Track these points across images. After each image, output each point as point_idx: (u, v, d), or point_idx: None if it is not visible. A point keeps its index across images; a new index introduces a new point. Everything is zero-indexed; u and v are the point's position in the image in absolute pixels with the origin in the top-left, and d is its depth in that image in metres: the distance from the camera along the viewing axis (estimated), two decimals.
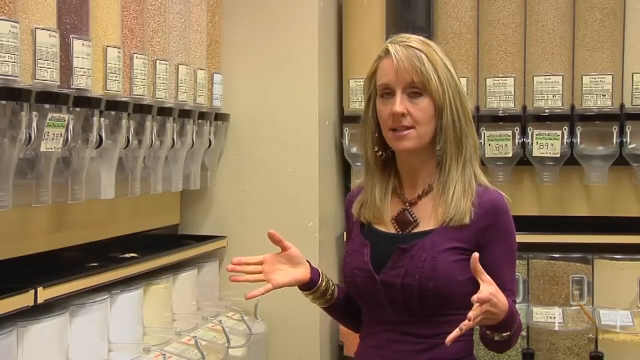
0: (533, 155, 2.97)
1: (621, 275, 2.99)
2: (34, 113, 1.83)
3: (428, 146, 1.75)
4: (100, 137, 2.12)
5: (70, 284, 2.08)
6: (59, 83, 1.90)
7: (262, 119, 3.06)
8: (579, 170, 3.03)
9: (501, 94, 2.99)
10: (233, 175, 3.08)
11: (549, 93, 2.96)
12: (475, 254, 1.59)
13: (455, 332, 1.52)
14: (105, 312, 2.25)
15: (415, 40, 1.74)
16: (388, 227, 1.79)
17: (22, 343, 1.92)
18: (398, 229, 1.78)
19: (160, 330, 2.49)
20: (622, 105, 2.94)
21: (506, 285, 1.72)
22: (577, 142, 2.94)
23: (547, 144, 2.95)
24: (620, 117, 2.92)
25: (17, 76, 1.73)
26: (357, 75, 3.09)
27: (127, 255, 2.55)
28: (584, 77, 2.94)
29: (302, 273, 1.82)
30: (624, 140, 2.89)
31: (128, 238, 2.67)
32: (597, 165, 2.95)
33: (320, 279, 1.85)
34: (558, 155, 2.95)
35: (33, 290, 1.93)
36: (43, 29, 1.83)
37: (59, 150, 1.94)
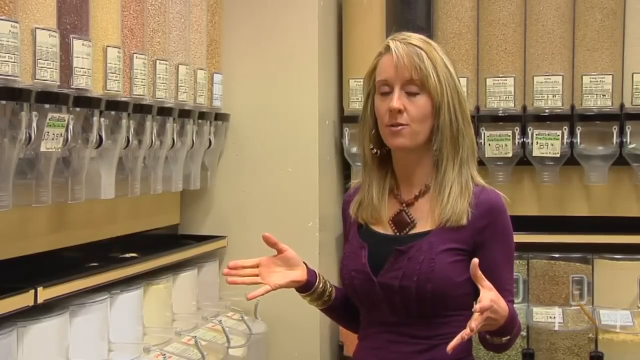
0: (533, 155, 2.97)
1: (621, 275, 2.99)
2: (34, 113, 1.83)
3: (424, 145, 1.74)
4: (100, 137, 2.12)
5: (70, 284, 2.08)
6: (59, 83, 1.90)
7: (262, 119, 3.06)
8: (579, 170, 3.02)
9: (501, 94, 2.99)
10: (233, 175, 3.08)
11: (549, 93, 2.96)
12: (475, 260, 1.58)
13: (456, 340, 1.52)
14: (105, 312, 2.25)
15: (416, 38, 1.74)
16: (385, 229, 1.79)
17: (22, 343, 1.92)
18: (395, 231, 1.78)
19: (160, 330, 2.49)
20: (622, 105, 2.94)
21: (505, 286, 1.73)
22: (577, 142, 2.94)
23: (547, 144, 2.95)
24: (620, 117, 2.92)
25: (17, 76, 1.73)
26: (357, 75, 3.08)
27: (127, 255, 2.55)
28: (584, 77, 2.94)
29: (299, 275, 1.81)
30: (624, 140, 2.89)
31: (128, 238, 2.67)
32: (597, 165, 2.95)
33: (317, 281, 1.84)
34: (558, 155, 2.95)
35: (33, 290, 1.93)
36: (43, 29, 1.83)
37: (59, 150, 1.94)
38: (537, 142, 2.96)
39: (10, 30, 1.70)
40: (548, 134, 2.95)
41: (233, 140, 3.08)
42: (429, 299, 1.69)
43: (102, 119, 2.12)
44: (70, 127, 1.97)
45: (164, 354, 2.29)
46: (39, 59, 1.81)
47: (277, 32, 3.04)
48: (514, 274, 2.86)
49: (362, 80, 3.08)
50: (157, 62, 2.39)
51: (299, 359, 3.01)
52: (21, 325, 1.92)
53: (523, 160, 3.02)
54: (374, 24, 3.10)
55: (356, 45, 3.14)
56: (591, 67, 2.95)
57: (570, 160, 2.97)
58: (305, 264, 1.85)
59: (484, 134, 2.98)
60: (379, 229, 1.80)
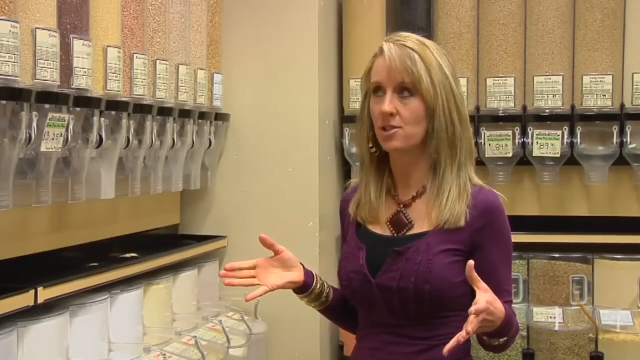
0: (533, 155, 2.97)
1: (621, 275, 2.99)
2: (34, 113, 1.83)
3: (419, 147, 1.73)
4: (100, 137, 2.12)
5: (70, 284, 2.08)
6: (59, 83, 1.90)
7: (262, 119, 3.06)
8: (579, 170, 3.02)
9: (501, 94, 2.99)
10: (233, 175, 3.08)
11: (549, 93, 2.96)
12: (470, 262, 1.58)
13: (453, 343, 1.51)
14: (105, 312, 2.25)
15: (412, 39, 1.72)
16: (383, 229, 1.79)
17: (22, 343, 1.92)
18: (393, 231, 1.77)
19: (160, 330, 2.49)
20: (622, 105, 2.94)
21: (503, 286, 1.73)
22: (577, 142, 2.94)
23: (547, 143, 2.95)
24: (621, 117, 2.92)
25: (17, 76, 1.73)
26: (357, 75, 3.05)
27: (127, 255, 2.55)
28: (584, 77, 2.94)
29: (296, 276, 1.81)
30: (624, 140, 2.89)
31: (128, 238, 2.67)
32: (597, 165, 2.95)
33: (315, 282, 1.84)
34: (558, 155, 2.95)
35: (33, 290, 1.92)
36: (43, 28, 1.83)
37: (59, 150, 1.94)
38: (537, 142, 2.96)
39: (10, 30, 1.70)
40: (548, 134, 2.95)
41: (233, 140, 3.08)
42: (426, 299, 1.68)
43: (102, 119, 2.12)
44: (71, 127, 1.97)
45: (164, 354, 2.29)
46: (39, 59, 1.81)
47: (277, 32, 3.04)
48: (514, 273, 2.88)
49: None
50: (157, 62, 2.39)
51: (299, 359, 3.01)
52: (21, 325, 1.92)
53: (523, 160, 3.02)
54: (374, 24, 3.10)
55: (356, 45, 3.14)
56: (591, 67, 2.95)
57: (570, 160, 2.97)
58: (303, 265, 1.85)
59: (484, 134, 2.98)
60: (377, 230, 1.79)
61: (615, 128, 2.90)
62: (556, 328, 2.90)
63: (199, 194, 3.07)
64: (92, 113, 2.08)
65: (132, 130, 2.27)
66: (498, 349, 1.75)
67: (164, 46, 2.44)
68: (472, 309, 1.52)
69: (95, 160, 2.19)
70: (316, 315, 2.94)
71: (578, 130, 2.93)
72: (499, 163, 3.01)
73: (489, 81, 3.00)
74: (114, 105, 2.17)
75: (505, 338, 1.70)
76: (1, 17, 1.69)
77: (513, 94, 2.98)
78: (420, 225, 1.74)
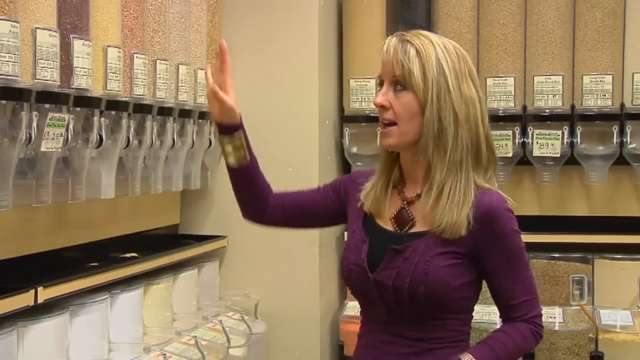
0: (533, 155, 2.97)
1: (621, 275, 2.99)
2: (34, 113, 1.83)
3: (418, 145, 1.71)
4: (101, 137, 2.12)
5: (70, 284, 2.08)
6: (59, 83, 1.90)
7: (262, 119, 3.05)
8: (579, 170, 3.03)
9: (501, 94, 2.99)
10: None
11: (549, 93, 2.96)
12: None
13: None
14: (105, 312, 2.25)
15: (418, 35, 1.71)
16: (387, 224, 1.78)
17: (22, 343, 1.92)
18: (396, 227, 1.76)
19: (160, 330, 2.49)
20: (622, 105, 2.94)
21: (509, 300, 1.70)
22: (577, 142, 2.94)
23: (547, 143, 2.95)
24: (621, 117, 2.92)
25: (17, 76, 1.73)
26: (357, 75, 3.09)
27: (127, 255, 2.55)
28: (584, 77, 2.94)
29: (235, 109, 1.88)
30: (624, 140, 2.89)
31: (128, 238, 2.67)
32: (597, 165, 2.95)
33: (244, 133, 1.88)
34: (558, 155, 2.95)
35: (33, 290, 1.93)
36: (43, 28, 1.83)
37: (59, 150, 1.94)
38: (537, 142, 2.96)
39: (10, 30, 1.70)
40: (548, 134, 2.95)
41: None
42: (421, 301, 1.66)
43: (102, 119, 2.12)
44: (71, 127, 1.97)
45: (164, 354, 2.29)
46: (40, 59, 1.81)
47: (277, 32, 3.04)
48: None
49: (362, 80, 3.11)
50: (158, 62, 2.39)
51: (299, 359, 3.01)
52: (21, 325, 1.92)
53: (523, 160, 3.02)
54: (374, 24, 3.10)
55: (356, 45, 3.14)
56: (591, 67, 2.95)
57: (570, 160, 2.97)
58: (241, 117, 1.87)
59: None
60: (382, 224, 1.78)
61: (615, 128, 2.91)
62: (556, 328, 2.90)
63: (199, 194, 3.07)
64: (92, 113, 2.08)
65: (132, 130, 2.27)
66: None
67: (164, 46, 2.44)
68: None
69: (95, 160, 2.19)
70: (316, 315, 2.96)
71: (578, 130, 2.93)
72: (499, 163, 2.99)
73: (489, 81, 3.00)
74: (114, 105, 2.17)
75: None
76: (1, 17, 1.69)
77: (513, 94, 2.98)
78: (422, 223, 1.73)
